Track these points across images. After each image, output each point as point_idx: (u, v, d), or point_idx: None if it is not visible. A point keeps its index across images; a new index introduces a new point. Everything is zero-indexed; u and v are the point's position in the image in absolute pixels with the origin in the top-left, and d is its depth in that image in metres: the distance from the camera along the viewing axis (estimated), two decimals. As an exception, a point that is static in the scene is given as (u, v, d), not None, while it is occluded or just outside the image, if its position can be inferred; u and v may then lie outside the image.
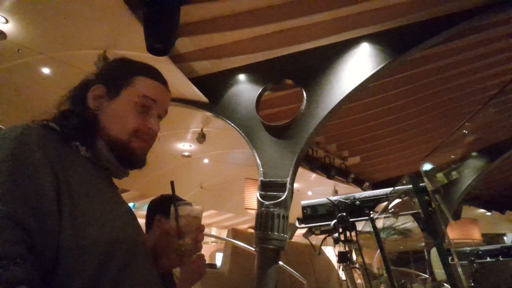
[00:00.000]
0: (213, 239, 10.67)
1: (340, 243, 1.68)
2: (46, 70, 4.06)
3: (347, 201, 1.74)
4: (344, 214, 1.69)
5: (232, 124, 3.87)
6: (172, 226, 0.94)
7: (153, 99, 0.92)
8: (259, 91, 3.81)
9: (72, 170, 0.76)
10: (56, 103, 0.91)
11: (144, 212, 1.71)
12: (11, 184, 0.66)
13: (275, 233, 3.10)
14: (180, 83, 3.97)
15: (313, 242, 1.97)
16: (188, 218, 0.94)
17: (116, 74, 0.93)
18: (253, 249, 3.39)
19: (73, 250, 0.69)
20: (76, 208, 0.71)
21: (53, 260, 0.68)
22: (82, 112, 0.89)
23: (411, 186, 1.57)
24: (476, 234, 7.94)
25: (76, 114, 0.88)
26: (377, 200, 1.72)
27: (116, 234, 0.76)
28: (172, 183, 0.96)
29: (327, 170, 6.14)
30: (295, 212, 2.72)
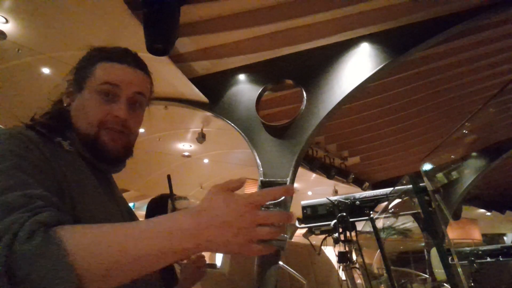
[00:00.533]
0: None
1: (340, 243, 1.68)
2: (46, 70, 4.06)
3: (347, 201, 1.74)
4: (344, 214, 1.68)
5: (232, 124, 3.87)
6: None
7: (115, 84, 0.82)
8: (259, 91, 3.81)
9: (65, 167, 0.72)
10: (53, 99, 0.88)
11: (144, 212, 1.71)
12: (18, 171, 0.62)
13: (275, 233, 3.10)
14: (180, 83, 3.97)
15: (313, 242, 1.97)
16: None
17: (81, 65, 0.87)
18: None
19: None
20: (74, 207, 0.68)
21: None
22: (57, 109, 0.85)
23: (411, 186, 1.57)
24: (476, 234, 7.95)
25: (51, 113, 0.84)
26: (377, 200, 1.72)
27: None
28: (168, 177, 0.95)
29: (327, 170, 6.14)
30: (295, 212, 2.72)
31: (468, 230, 7.82)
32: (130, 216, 0.89)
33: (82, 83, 0.84)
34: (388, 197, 1.72)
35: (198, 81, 4.05)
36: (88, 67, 0.85)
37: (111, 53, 0.86)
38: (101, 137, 0.81)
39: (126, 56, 0.86)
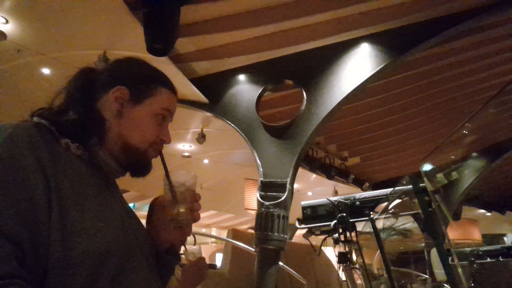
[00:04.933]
0: (213, 239, 10.67)
1: (340, 243, 1.68)
2: (46, 71, 4.06)
3: (347, 201, 1.74)
4: (344, 214, 1.69)
5: (232, 125, 3.87)
6: (166, 198, 0.93)
7: (172, 113, 0.94)
8: (259, 92, 3.81)
9: (63, 174, 0.72)
10: (50, 99, 0.86)
11: (144, 213, 1.70)
12: (1, 191, 0.62)
13: (275, 234, 3.10)
14: (180, 84, 3.97)
15: (313, 243, 1.97)
16: (182, 188, 0.94)
17: (140, 79, 0.90)
18: (253, 250, 3.39)
19: (61, 262, 0.65)
20: (65, 217, 0.68)
21: (42, 274, 0.65)
22: (86, 109, 0.84)
23: (411, 186, 1.57)
24: (476, 235, 7.94)
25: (76, 111, 0.83)
26: (377, 200, 1.72)
27: (107, 244, 0.72)
28: (161, 154, 0.96)
29: (327, 170, 6.14)
30: (295, 213, 2.72)
31: (468, 231, 7.82)
32: (128, 216, 0.89)
33: (141, 98, 0.89)
34: (388, 198, 1.73)
35: (198, 81, 4.05)
36: (149, 85, 0.90)
37: (168, 82, 0.95)
38: (148, 154, 0.91)
39: (175, 87, 0.97)
